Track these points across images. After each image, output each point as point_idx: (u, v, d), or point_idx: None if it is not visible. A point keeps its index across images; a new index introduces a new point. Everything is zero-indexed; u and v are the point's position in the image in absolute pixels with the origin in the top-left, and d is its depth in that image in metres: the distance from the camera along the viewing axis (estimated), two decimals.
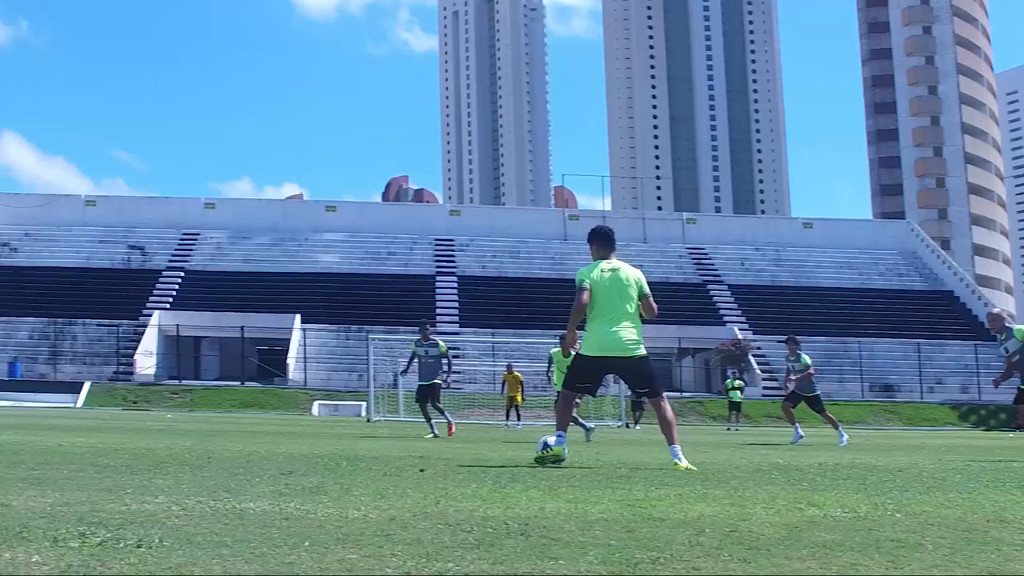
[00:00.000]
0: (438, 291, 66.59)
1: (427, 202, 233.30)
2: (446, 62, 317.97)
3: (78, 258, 68.88)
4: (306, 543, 4.25)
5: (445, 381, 20.43)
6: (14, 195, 78.02)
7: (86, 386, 49.99)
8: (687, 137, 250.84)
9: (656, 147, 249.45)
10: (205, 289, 63.82)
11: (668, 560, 4.07)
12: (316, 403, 48.48)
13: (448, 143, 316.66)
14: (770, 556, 4.19)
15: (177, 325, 57.89)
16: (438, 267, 70.08)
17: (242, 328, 56.29)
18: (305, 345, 56.97)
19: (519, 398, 34.37)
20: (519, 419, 34.20)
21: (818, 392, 21.10)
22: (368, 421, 35.69)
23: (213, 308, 59.44)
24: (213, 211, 74.79)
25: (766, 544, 4.48)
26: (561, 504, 5.93)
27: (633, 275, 9.90)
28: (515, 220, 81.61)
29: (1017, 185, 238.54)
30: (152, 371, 55.89)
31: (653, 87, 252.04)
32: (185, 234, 72.19)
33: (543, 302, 60.30)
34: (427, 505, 5.75)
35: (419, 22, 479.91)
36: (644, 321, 9.88)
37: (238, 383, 53.90)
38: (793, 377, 21.20)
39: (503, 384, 35.49)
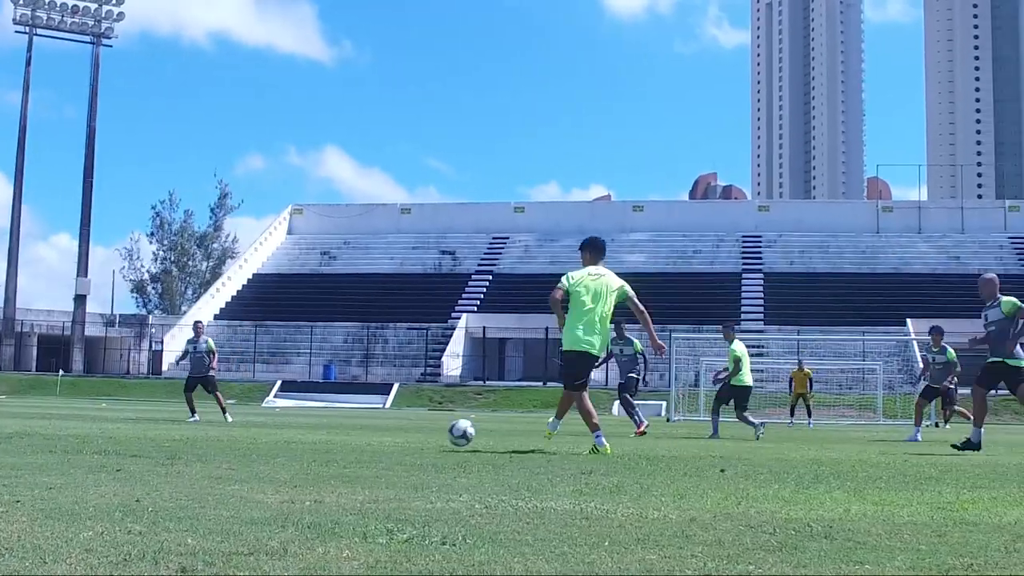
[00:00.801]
0: (744, 289, 65.70)
1: (735, 199, 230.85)
2: (758, 55, 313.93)
3: (392, 264, 71.57)
4: (606, 543, 4.23)
5: (643, 379, 21.43)
6: (335, 206, 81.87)
7: (395, 387, 51.80)
8: (1012, 120, 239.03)
9: (978, 132, 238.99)
10: (512, 291, 65.09)
11: (981, 567, 3.86)
12: (616, 403, 48.63)
13: (758, 137, 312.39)
14: None
15: (483, 327, 59.26)
16: (744, 264, 69.12)
17: (546, 329, 57.09)
18: (609, 346, 57.26)
19: (808, 395, 33.62)
20: (810, 416, 33.33)
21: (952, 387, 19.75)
22: (668, 420, 35.57)
23: (519, 310, 60.55)
24: (522, 215, 76.17)
25: None
26: (867, 506, 5.73)
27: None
28: (825, 214, 79.55)
29: None
30: (458, 372, 57.42)
31: (977, 68, 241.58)
32: (494, 238, 73.86)
33: (852, 298, 58.62)
34: (728, 506, 5.65)
35: (728, 18, 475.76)
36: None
37: (540, 383, 54.70)
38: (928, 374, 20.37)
39: (790, 382, 34.84)
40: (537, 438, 14.72)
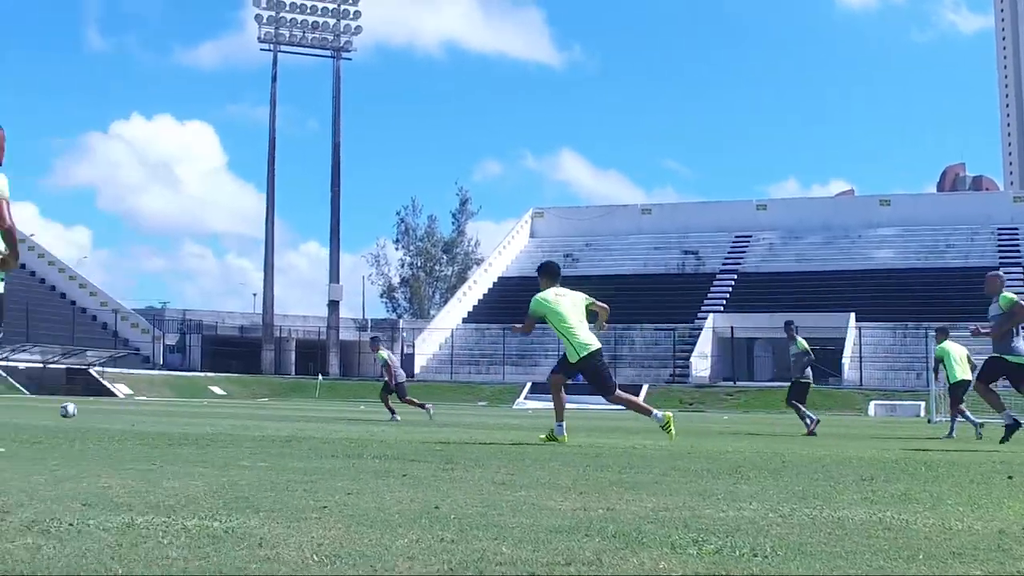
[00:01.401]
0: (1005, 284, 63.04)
1: (986, 189, 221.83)
2: (1003, 37, 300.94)
3: (635, 265, 71.60)
4: (920, 556, 4.11)
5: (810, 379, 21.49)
6: (575, 208, 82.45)
7: (644, 389, 51.71)
8: None
9: None
10: (758, 290, 64.28)
11: None
12: (872, 403, 47.42)
13: (1008, 124, 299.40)
14: None
15: (731, 327, 58.67)
16: (1001, 258, 66.33)
17: (785, 324, 56.10)
18: (860, 344, 55.89)
19: None
20: None
21: None
22: (929, 422, 34.39)
23: (766, 309, 59.71)
24: (764, 212, 75.14)
25: None
26: None
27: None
28: None
29: None
30: (707, 373, 56.96)
31: None
32: (737, 236, 73.08)
33: None
34: None
35: (967, 2, 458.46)
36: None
37: (791, 384, 53.72)
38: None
39: None
40: (804, 439, 14.46)
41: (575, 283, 56.83)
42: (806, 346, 21.16)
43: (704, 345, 58.92)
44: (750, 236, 73.07)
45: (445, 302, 77.79)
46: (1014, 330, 13.60)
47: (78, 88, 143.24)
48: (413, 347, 65.52)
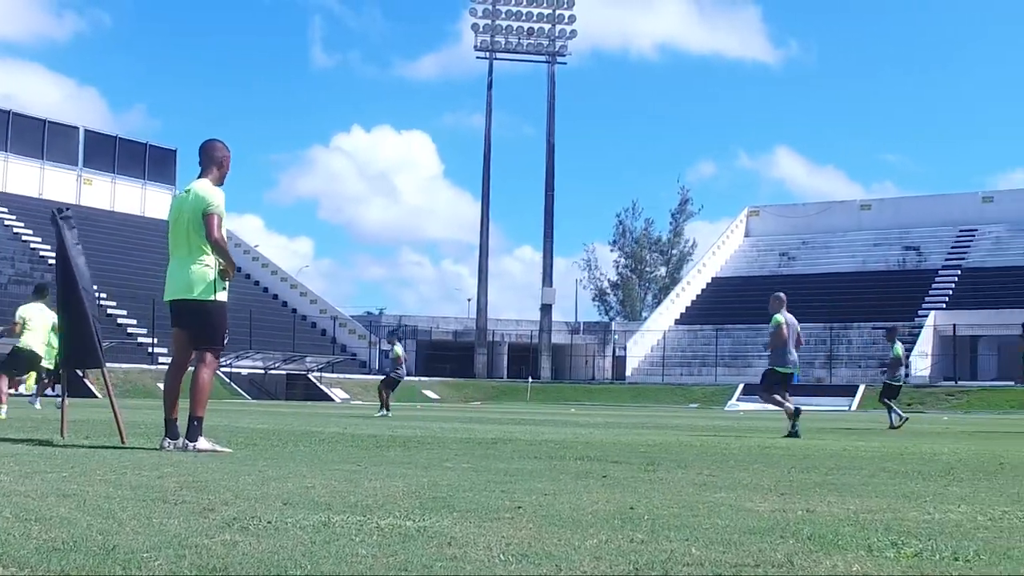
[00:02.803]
0: None
1: None
2: None
3: (853, 263, 70.00)
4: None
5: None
6: (791, 206, 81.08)
7: (860, 389, 50.47)
8: None
9: None
10: (983, 286, 62.01)
11: None
12: None
13: None
14: None
15: (953, 325, 56.75)
16: None
17: (1022, 325, 53.89)
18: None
19: None
20: None
21: None
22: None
23: (991, 306, 57.54)
24: (991, 205, 72.35)
25: None
26: None
27: None
28: None
29: None
30: (927, 372, 55.23)
31: None
32: (961, 231, 70.67)
33: None
34: None
35: None
36: None
37: (1015, 383, 51.72)
38: None
39: None
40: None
41: (791, 283, 56.29)
42: (900, 352, 22.37)
43: (924, 344, 57.16)
44: (975, 230, 70.53)
45: (658, 304, 77.46)
46: (786, 346, 16.06)
47: (303, 105, 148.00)
48: (625, 349, 65.46)
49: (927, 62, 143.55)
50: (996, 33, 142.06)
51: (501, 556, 3.78)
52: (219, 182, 9.09)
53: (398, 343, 27.33)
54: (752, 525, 4.67)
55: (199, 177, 9.08)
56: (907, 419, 21.30)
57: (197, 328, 8.95)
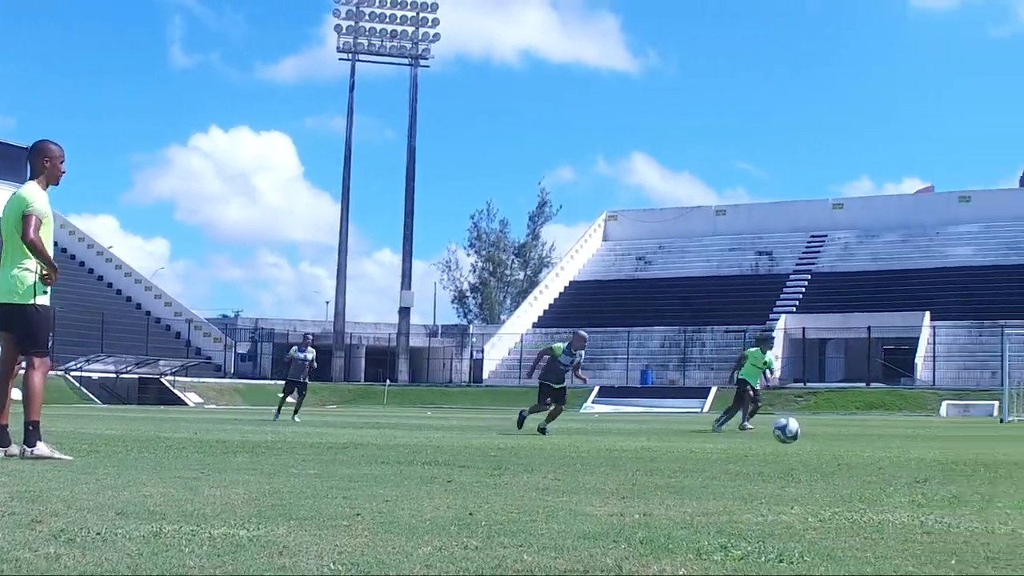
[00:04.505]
0: None
1: None
2: None
3: (708, 267, 71.18)
4: (952, 561, 4.02)
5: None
6: (649, 211, 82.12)
7: (712, 390, 51.35)
8: None
9: None
10: (831, 290, 63.59)
11: None
12: (944, 403, 46.69)
13: None
14: None
15: (803, 328, 58.11)
16: None
17: (868, 328, 55.52)
18: (934, 343, 55.07)
19: None
20: None
21: None
22: (1001, 421, 33.84)
23: (839, 309, 59.08)
24: (840, 211, 74.19)
25: None
26: None
27: None
28: None
29: None
30: (778, 374, 56.41)
31: None
32: (812, 236, 72.32)
33: None
34: None
35: None
36: None
37: (863, 384, 53.20)
38: None
39: None
40: (868, 441, 14.27)
41: (648, 287, 56.79)
42: (770, 361, 22.55)
43: (775, 346, 58.36)
44: (826, 236, 72.25)
45: (516, 307, 77.76)
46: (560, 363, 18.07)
47: (160, 105, 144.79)
48: (483, 352, 65.59)
49: (780, 72, 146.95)
50: (846, 45, 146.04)
51: (332, 565, 3.76)
52: (48, 184, 8.90)
53: (311, 347, 27.18)
54: (587, 530, 4.72)
55: (29, 179, 8.88)
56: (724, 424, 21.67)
57: (21, 333, 8.76)
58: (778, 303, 64.05)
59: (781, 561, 3.95)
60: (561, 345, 18.55)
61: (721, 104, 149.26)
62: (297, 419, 25.32)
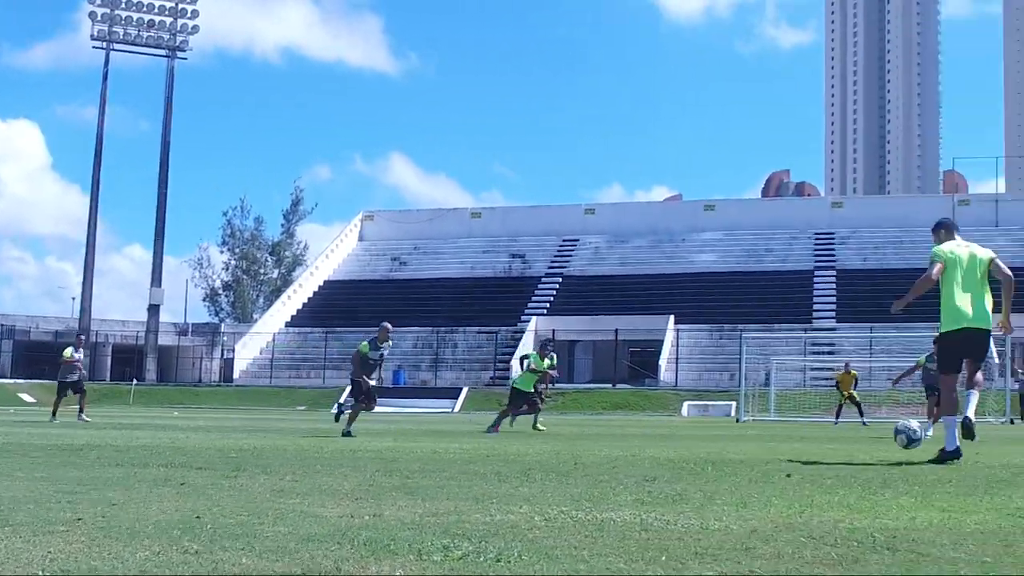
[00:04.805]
0: (816, 287, 65.07)
1: (808, 195, 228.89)
2: (832, 49, 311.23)
3: (462, 269, 71.75)
4: (663, 557, 4.17)
5: None
6: (406, 212, 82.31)
7: (464, 391, 51.85)
8: None
9: None
10: (582, 293, 65.03)
11: None
12: (686, 404, 48.38)
13: (831, 133, 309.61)
14: None
15: (553, 330, 59.18)
16: (817, 262, 68.39)
17: (615, 331, 57.01)
18: (677, 346, 57.00)
19: (854, 394, 31.95)
20: (862, 414, 31.81)
21: None
22: (737, 421, 35.31)
23: (589, 312, 60.46)
24: (592, 216, 75.97)
25: None
26: (934, 514, 5.61)
27: (983, 252, 10.16)
28: (900, 209, 78.57)
29: None
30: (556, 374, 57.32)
31: None
32: (564, 240, 73.79)
33: (928, 294, 57.80)
34: (791, 515, 5.56)
35: (786, 17, 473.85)
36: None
37: (609, 385, 54.63)
38: None
39: (836, 383, 33.11)
40: (609, 440, 14.62)
41: (403, 287, 56.65)
42: (544, 366, 22.61)
43: (526, 347, 59.30)
44: (577, 240, 73.85)
45: (269, 306, 76.72)
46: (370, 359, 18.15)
47: None
48: (234, 351, 64.50)
49: (538, 80, 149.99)
50: (602, 56, 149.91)
51: (40, 573, 3.66)
52: None
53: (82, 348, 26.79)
54: (314, 532, 4.72)
55: None
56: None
57: None
58: (530, 305, 65.10)
59: (499, 560, 4.03)
60: (366, 343, 18.47)
61: (479, 108, 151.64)
62: (86, 418, 24.90)
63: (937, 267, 10.10)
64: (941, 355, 10.46)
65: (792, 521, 5.29)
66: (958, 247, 10.24)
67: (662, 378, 55.48)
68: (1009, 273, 10.12)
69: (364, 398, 18.27)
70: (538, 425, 22.41)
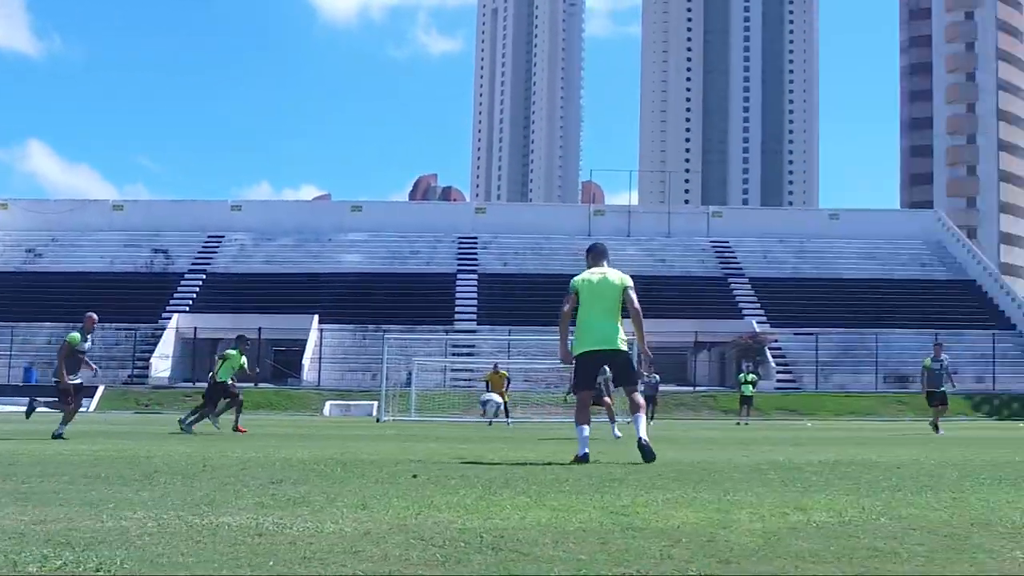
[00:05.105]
0: (458, 289, 66.54)
1: (454, 200, 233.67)
2: (481, 60, 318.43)
3: (102, 263, 69.17)
4: (270, 562, 4.16)
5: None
6: (43, 201, 78.65)
7: (99, 390, 50.00)
8: (719, 129, 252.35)
9: (687, 140, 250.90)
10: (226, 291, 63.97)
11: (635, 575, 4.00)
12: (328, 403, 48.48)
13: (479, 141, 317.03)
14: (739, 569, 4.11)
15: (195, 328, 58.02)
16: (460, 265, 70.02)
17: (259, 329, 56.37)
18: (321, 345, 57.00)
19: (505, 396, 32.84)
20: (507, 415, 32.74)
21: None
22: (377, 421, 35.66)
23: (234, 310, 59.52)
24: (239, 213, 74.97)
25: (739, 556, 4.39)
26: (543, 513, 5.83)
27: (618, 279, 10.75)
28: (540, 217, 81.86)
29: None
30: (167, 374, 55.98)
31: (688, 80, 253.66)
32: (210, 236, 72.44)
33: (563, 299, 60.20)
34: (407, 517, 5.65)
35: (436, 25, 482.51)
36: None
37: (252, 384, 54.02)
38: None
39: (487, 384, 34.02)
40: (245, 441, 14.45)
41: (37, 280, 53.89)
42: None
43: (166, 345, 57.93)
44: (223, 236, 72.64)
45: None
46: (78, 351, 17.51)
47: None
48: None
49: (189, 73, 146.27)
50: (255, 54, 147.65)
51: None
52: None
53: None
54: None
55: None
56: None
57: None
58: (172, 302, 63.58)
59: (99, 570, 3.92)
60: (75, 333, 17.58)
61: (126, 98, 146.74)
62: None
63: (567, 304, 10.69)
64: (576, 374, 11.01)
65: (407, 523, 5.39)
66: (594, 273, 10.85)
67: (305, 377, 55.31)
68: (638, 307, 10.77)
69: (70, 399, 17.31)
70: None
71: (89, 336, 17.77)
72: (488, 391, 32.66)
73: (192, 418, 21.73)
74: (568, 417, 23.42)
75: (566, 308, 10.68)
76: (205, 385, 23.52)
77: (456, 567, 4.13)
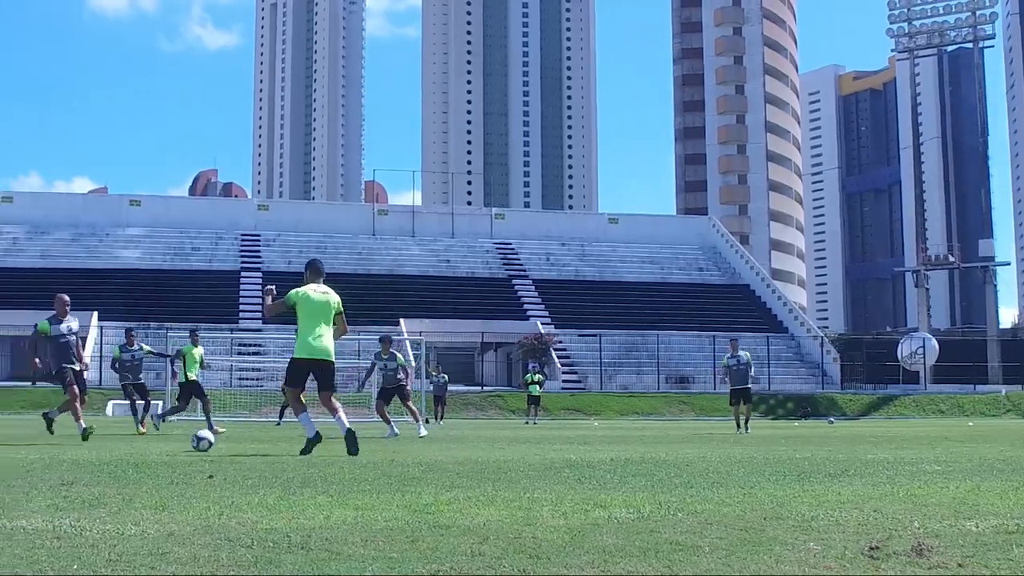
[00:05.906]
0: (242, 287, 65.51)
1: (236, 196, 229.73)
2: (261, 55, 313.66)
3: None
4: (75, 566, 4.08)
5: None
6: None
7: None
8: (500, 132, 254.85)
9: (469, 142, 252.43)
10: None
11: (448, 573, 4.05)
12: (111, 403, 47.05)
13: (259, 137, 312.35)
14: (550, 565, 4.21)
15: None
16: (243, 263, 68.94)
17: (35, 327, 54.36)
18: (101, 343, 55.31)
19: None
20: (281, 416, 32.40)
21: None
22: (163, 421, 34.77)
23: (6, 306, 57.19)
24: (10, 205, 72.10)
25: (548, 551, 4.50)
26: (348, 512, 5.86)
27: (335, 301, 13.02)
28: (324, 215, 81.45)
29: (814, 182, 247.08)
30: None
31: (469, 82, 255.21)
32: None
33: (347, 298, 59.58)
34: (210, 517, 5.60)
35: (212, 19, 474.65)
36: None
37: (29, 383, 52.08)
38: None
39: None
40: (28, 442, 13.96)
41: None
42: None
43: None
44: None
45: None
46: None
47: None
48: None
49: None
50: (21, 40, 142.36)
51: None
52: None
53: None
54: None
55: None
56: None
57: None
58: None
59: None
60: (45, 320, 17.15)
61: None
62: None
63: (274, 305, 13.16)
64: (289, 373, 12.62)
65: (211, 523, 5.34)
66: (315, 291, 12.88)
67: (86, 376, 53.47)
68: (345, 329, 13.27)
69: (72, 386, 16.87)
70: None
71: (64, 320, 17.02)
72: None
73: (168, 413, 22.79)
74: (352, 416, 23.47)
75: (269, 305, 13.21)
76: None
77: (268, 567, 4.12)
